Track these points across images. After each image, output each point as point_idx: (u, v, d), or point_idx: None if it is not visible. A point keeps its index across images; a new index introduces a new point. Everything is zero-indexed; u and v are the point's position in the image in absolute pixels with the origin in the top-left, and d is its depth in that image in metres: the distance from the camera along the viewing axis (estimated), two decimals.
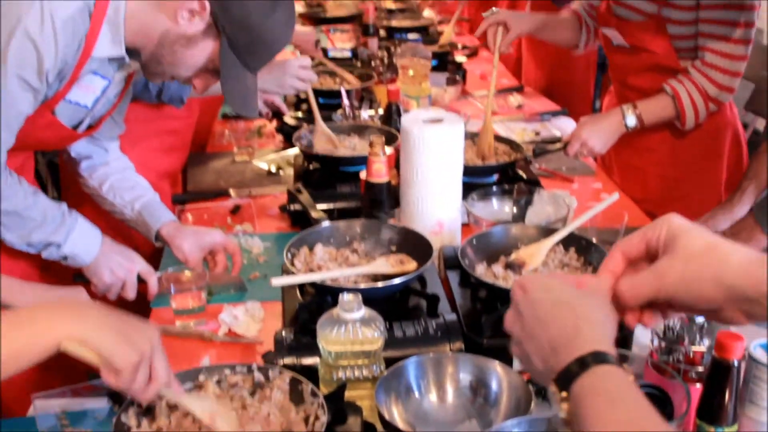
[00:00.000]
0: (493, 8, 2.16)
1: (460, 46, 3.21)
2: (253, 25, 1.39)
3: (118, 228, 1.73)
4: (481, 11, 3.67)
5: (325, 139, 2.01)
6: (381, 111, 2.30)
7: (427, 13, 3.78)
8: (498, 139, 2.05)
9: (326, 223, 1.54)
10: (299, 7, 3.89)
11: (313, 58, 2.92)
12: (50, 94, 1.42)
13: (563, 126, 2.48)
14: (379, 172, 1.58)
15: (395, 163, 1.72)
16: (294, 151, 2.11)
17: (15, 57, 1.30)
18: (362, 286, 1.36)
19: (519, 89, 2.89)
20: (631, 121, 1.93)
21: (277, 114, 2.21)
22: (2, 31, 1.29)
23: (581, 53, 2.32)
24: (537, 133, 2.43)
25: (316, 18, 3.64)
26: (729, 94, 1.89)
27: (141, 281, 1.55)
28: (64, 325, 0.89)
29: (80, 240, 1.50)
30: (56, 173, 2.06)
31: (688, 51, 1.90)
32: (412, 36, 3.18)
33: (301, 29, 3.02)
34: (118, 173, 1.69)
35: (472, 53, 3.20)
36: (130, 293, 1.55)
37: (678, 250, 0.79)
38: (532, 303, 0.82)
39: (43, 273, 1.65)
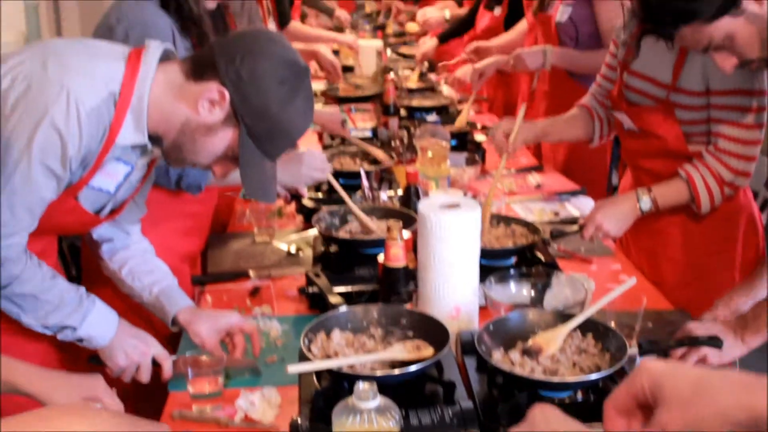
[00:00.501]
0: (499, 122, 2.25)
1: (479, 125, 3.27)
2: (271, 114, 1.44)
3: (137, 310, 1.76)
4: (500, 90, 3.78)
5: (358, 222, 2.05)
6: (400, 192, 2.34)
7: (447, 91, 3.86)
8: (516, 221, 2.08)
9: (343, 308, 1.56)
10: (320, 85, 4.00)
11: (334, 138, 3.00)
12: (74, 181, 1.47)
13: (582, 205, 2.50)
14: (396, 256, 1.61)
15: (413, 246, 1.75)
16: (314, 232, 2.15)
17: (40, 146, 1.36)
18: (378, 373, 1.36)
19: (538, 168, 2.92)
20: (646, 205, 1.95)
21: (295, 196, 2.26)
22: (30, 121, 1.35)
23: (596, 146, 2.36)
24: (556, 213, 2.45)
25: (337, 96, 3.74)
26: (745, 179, 1.91)
27: (157, 364, 1.57)
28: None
29: (96, 323, 1.53)
30: (77, 255, 2.10)
31: (698, 135, 1.93)
32: (431, 117, 3.24)
33: (327, 110, 3.09)
34: (138, 256, 1.73)
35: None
36: (144, 377, 1.57)
37: (669, 399, 0.79)
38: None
39: (60, 352, 1.68)
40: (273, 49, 1.46)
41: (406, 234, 1.70)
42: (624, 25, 2.07)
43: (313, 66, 4.06)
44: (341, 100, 3.52)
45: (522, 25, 3.28)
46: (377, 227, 2.02)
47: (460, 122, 3.15)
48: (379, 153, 2.64)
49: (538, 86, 3.09)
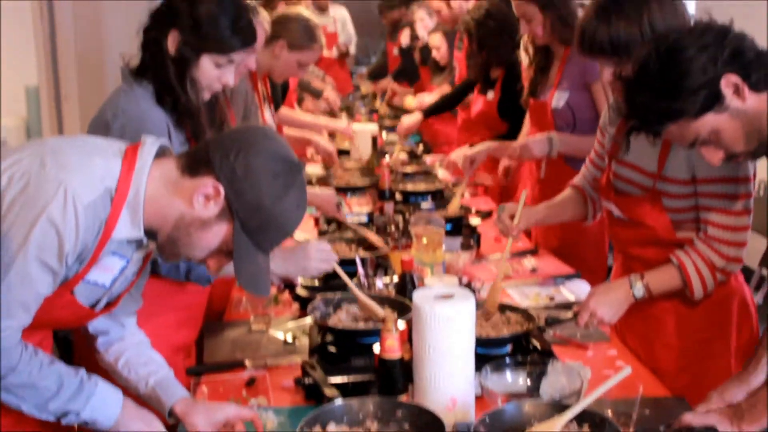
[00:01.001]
0: (502, 205, 2.29)
1: (473, 209, 3.31)
2: (265, 208, 1.47)
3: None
4: (494, 173, 3.83)
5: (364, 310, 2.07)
6: (396, 278, 2.36)
7: (442, 174, 3.92)
8: (511, 308, 2.09)
9: (339, 401, 1.56)
10: (317, 169, 4.05)
11: (330, 223, 3.03)
12: (70, 275, 1.49)
13: (577, 289, 2.52)
14: (391, 348, 1.62)
15: (408, 336, 1.76)
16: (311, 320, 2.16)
17: (37, 241, 1.39)
18: None
19: (533, 252, 2.95)
20: (639, 292, 1.97)
21: (288, 285, 2.28)
22: (28, 217, 1.38)
23: (590, 224, 2.40)
24: (551, 298, 2.46)
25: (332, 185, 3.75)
26: (737, 264, 1.93)
27: None
28: None
29: (100, 406, 1.54)
30: (69, 349, 2.11)
31: (688, 223, 1.96)
32: (426, 203, 3.28)
33: (322, 191, 3.13)
34: (133, 348, 1.74)
35: (486, 215, 3.29)
36: None
37: None
38: None
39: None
40: (267, 144, 1.50)
41: (401, 325, 1.71)
42: (609, 119, 2.13)
43: (310, 150, 4.13)
44: (337, 189, 3.54)
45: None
46: (382, 312, 2.04)
47: (453, 208, 3.19)
48: (375, 239, 2.67)
49: (532, 170, 3.14)
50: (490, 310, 2.04)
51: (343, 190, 3.60)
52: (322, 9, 7.60)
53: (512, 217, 2.25)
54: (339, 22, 7.84)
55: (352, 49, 8.17)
